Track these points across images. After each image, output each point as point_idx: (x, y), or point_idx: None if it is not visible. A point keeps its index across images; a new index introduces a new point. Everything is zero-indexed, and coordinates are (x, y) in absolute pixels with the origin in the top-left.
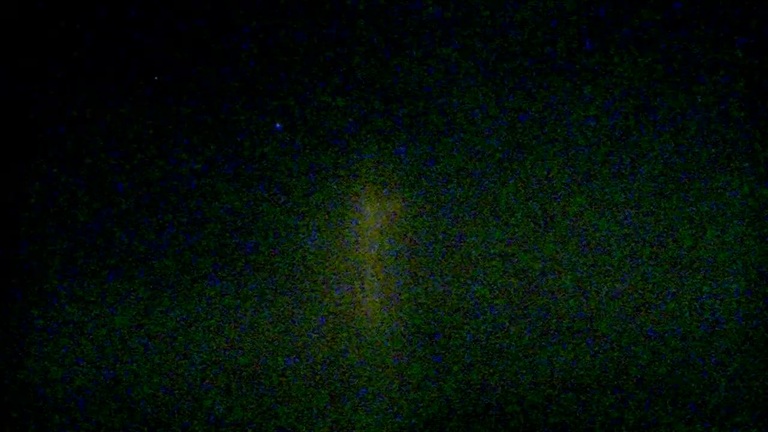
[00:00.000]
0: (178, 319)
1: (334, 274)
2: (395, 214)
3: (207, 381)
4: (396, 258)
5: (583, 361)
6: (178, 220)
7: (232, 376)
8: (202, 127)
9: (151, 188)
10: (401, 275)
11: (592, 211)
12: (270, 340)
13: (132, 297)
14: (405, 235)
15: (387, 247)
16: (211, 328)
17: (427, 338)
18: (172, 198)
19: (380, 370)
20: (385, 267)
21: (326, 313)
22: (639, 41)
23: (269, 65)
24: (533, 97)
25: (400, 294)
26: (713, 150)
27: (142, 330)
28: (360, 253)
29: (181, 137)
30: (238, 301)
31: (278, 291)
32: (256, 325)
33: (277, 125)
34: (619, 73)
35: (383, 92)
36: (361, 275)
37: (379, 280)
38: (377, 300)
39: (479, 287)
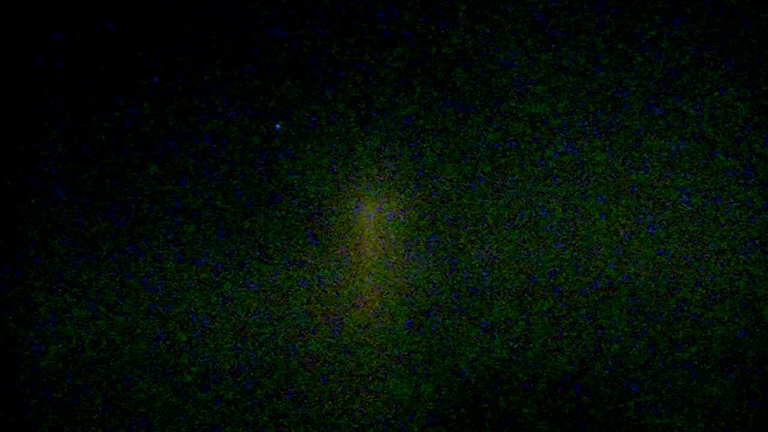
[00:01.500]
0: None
1: (334, 268)
2: (397, 208)
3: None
4: (397, 251)
5: (590, 351)
6: (175, 219)
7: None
8: (202, 126)
9: (148, 187)
10: (403, 268)
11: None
12: (267, 336)
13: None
14: (408, 228)
15: (389, 241)
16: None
17: (428, 331)
18: (170, 196)
19: (381, 361)
20: (387, 260)
21: (324, 309)
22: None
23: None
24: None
25: (401, 287)
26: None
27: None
28: (361, 248)
29: (180, 136)
30: (236, 301)
31: (277, 286)
32: (251, 323)
33: (277, 125)
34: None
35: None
36: (363, 269)
37: (380, 272)
38: (378, 295)
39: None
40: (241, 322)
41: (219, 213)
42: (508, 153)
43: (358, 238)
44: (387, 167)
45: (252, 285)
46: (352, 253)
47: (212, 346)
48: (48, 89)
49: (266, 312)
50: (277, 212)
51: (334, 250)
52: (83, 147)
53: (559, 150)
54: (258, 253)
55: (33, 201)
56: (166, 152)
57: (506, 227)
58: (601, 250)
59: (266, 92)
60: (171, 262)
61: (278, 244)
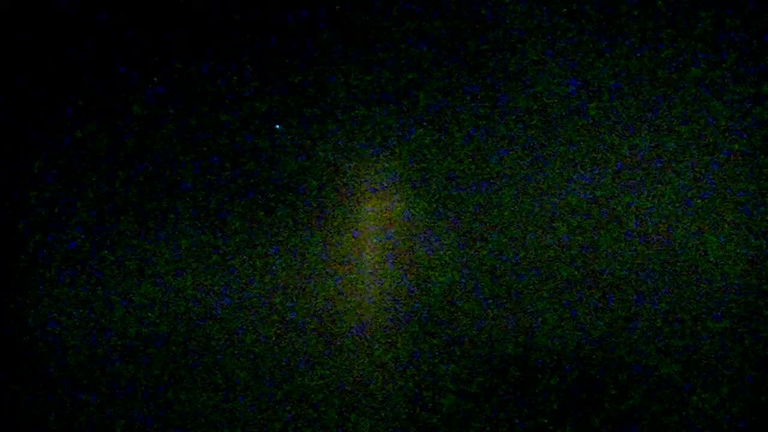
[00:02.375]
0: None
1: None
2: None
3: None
4: (397, 251)
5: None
6: (176, 221)
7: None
8: (202, 126)
9: (148, 187)
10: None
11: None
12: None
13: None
14: (407, 226)
15: (389, 240)
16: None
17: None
18: (170, 197)
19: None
20: (386, 258)
21: (323, 306)
22: None
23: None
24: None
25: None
26: None
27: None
28: (361, 244)
29: (179, 136)
30: (237, 300)
31: (278, 283)
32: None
33: (277, 126)
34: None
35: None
36: (363, 266)
37: (380, 270)
38: (378, 292)
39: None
40: (245, 320)
41: (222, 211)
42: (522, 137)
43: (369, 221)
44: (401, 151)
45: (255, 280)
46: (362, 239)
47: (214, 343)
48: (49, 86)
49: (271, 309)
50: (281, 206)
51: (347, 236)
52: (85, 149)
53: (576, 134)
54: (264, 248)
55: (34, 194)
56: (168, 147)
57: (521, 212)
58: (613, 235)
59: (267, 91)
60: (172, 259)
61: (285, 237)
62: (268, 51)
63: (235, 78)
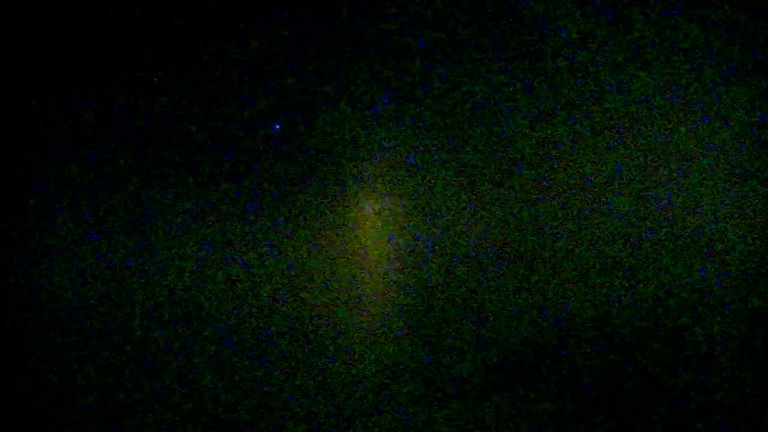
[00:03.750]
0: None
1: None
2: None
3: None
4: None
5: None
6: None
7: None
8: (203, 126)
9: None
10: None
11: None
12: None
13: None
14: (405, 223)
15: (387, 235)
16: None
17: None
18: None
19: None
20: (386, 254)
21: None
22: None
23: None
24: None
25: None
26: None
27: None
28: (362, 240)
29: (181, 133)
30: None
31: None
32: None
33: (276, 126)
34: None
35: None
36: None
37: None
38: (378, 287)
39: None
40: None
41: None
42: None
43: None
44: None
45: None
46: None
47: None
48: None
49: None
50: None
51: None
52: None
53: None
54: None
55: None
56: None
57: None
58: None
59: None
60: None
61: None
62: (269, 47)
63: (236, 75)
